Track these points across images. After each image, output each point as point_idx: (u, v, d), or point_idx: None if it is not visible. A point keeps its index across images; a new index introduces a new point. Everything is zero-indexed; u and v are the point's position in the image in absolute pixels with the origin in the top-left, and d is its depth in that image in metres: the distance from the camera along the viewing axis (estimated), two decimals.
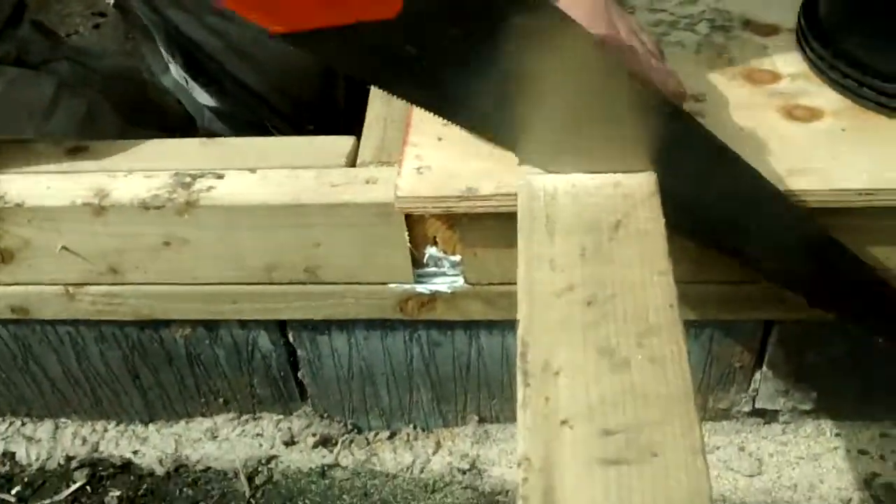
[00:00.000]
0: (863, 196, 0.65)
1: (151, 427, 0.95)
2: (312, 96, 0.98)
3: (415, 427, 0.92)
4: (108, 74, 0.94)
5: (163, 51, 0.98)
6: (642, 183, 0.64)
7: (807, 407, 0.87)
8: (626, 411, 0.49)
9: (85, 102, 0.86)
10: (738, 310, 0.77)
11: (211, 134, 0.99)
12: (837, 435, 0.88)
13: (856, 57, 0.73)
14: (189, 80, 0.97)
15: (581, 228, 0.61)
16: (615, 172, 0.64)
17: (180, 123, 1.02)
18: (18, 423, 0.96)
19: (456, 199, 0.67)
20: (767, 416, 0.88)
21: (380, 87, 0.64)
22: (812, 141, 0.70)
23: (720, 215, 0.68)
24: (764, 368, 0.84)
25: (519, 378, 0.52)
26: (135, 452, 0.93)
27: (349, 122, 0.90)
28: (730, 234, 0.69)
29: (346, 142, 0.77)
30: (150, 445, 0.93)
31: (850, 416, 0.88)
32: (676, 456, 0.46)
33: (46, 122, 0.82)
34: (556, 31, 0.57)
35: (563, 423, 0.49)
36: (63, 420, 0.96)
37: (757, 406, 0.87)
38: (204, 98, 0.99)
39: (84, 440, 0.95)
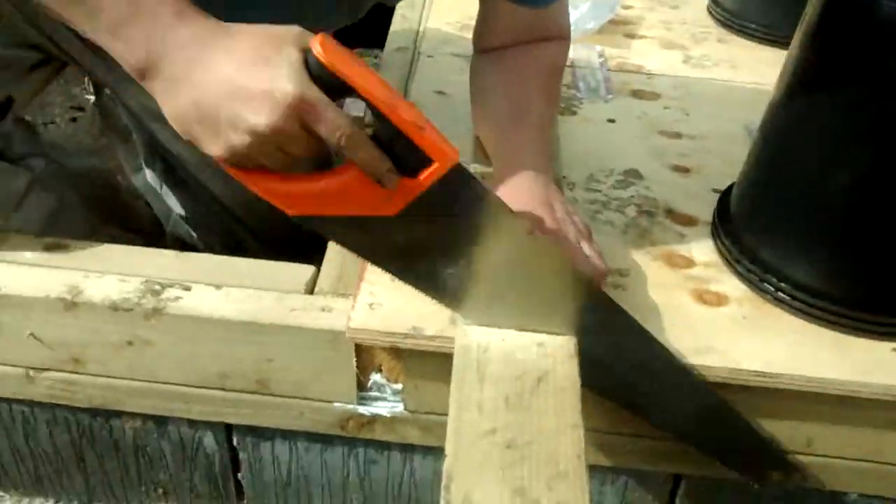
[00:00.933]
0: (757, 377, 0.73)
1: None
2: (279, 214, 1.04)
3: None
4: (81, 173, 1.01)
5: (141, 156, 1.04)
6: (563, 345, 0.72)
7: None
8: None
9: (55, 198, 0.92)
10: (649, 461, 0.83)
11: (176, 237, 1.05)
12: None
13: (758, 255, 0.83)
14: (163, 185, 1.03)
15: (507, 379, 0.69)
16: (541, 333, 0.72)
17: (147, 224, 1.07)
18: None
19: (402, 335, 0.74)
20: None
21: (359, 256, 0.74)
22: (717, 324, 0.78)
23: (631, 382, 0.75)
24: None
25: None
26: None
27: (316, 242, 0.97)
28: (639, 399, 0.77)
29: (306, 270, 0.84)
30: None
31: None
32: None
33: (16, 214, 0.88)
34: (502, 224, 0.67)
35: None
36: (2, 494, 0.98)
37: None
38: (174, 203, 1.05)
39: None
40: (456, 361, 0.70)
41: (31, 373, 0.84)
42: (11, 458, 0.95)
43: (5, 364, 0.84)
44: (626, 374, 0.75)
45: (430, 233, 0.67)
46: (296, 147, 0.59)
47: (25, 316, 0.80)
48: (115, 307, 0.78)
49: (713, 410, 0.76)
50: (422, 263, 0.69)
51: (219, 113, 0.58)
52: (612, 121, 1.12)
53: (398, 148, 0.61)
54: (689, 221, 0.93)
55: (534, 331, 0.72)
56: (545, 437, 0.63)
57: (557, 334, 0.72)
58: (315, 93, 0.57)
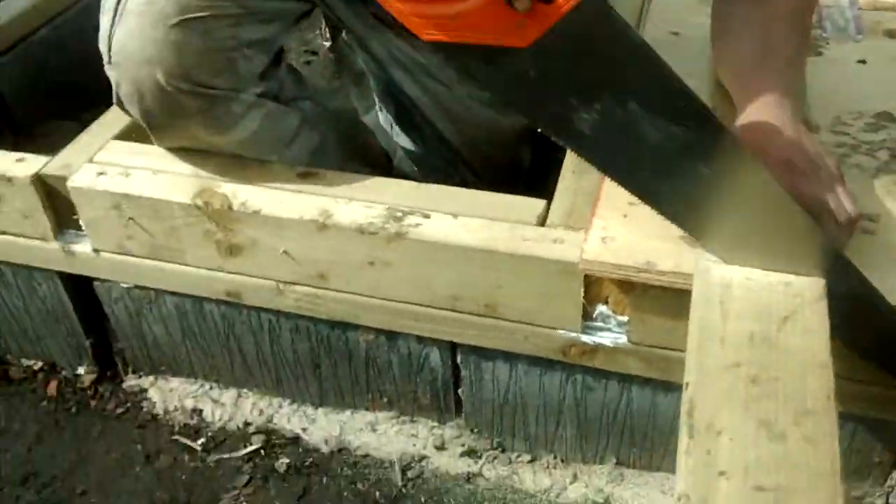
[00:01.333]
0: None
1: (320, 410, 1.07)
2: (500, 154, 1.07)
3: (555, 457, 1.00)
4: (338, 113, 1.07)
5: (376, 98, 1.10)
6: (811, 286, 0.70)
7: None
8: (778, 475, 0.55)
9: (318, 136, 0.99)
10: (886, 410, 0.80)
11: (401, 173, 1.10)
12: None
13: None
14: (394, 125, 1.08)
15: (752, 316, 0.68)
16: (787, 273, 0.70)
17: (379, 160, 1.13)
18: (208, 386, 1.10)
19: (635, 269, 0.75)
20: None
21: (500, 101, 0.69)
22: None
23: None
24: None
25: (683, 431, 0.59)
26: (304, 430, 1.05)
27: (529, 184, 0.99)
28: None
29: (538, 204, 0.85)
30: (318, 426, 1.05)
31: None
32: None
33: (287, 150, 0.96)
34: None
35: (721, 473, 0.55)
36: (245, 391, 1.09)
37: (890, 501, 0.90)
38: (404, 141, 1.10)
39: (261, 411, 1.08)
40: (695, 298, 0.70)
41: (282, 286, 0.92)
42: (256, 360, 1.05)
43: (259, 276, 0.92)
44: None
45: (564, 74, 0.63)
46: None
47: (280, 235, 0.87)
48: (361, 230, 0.83)
49: None
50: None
51: None
52: (862, 62, 1.05)
53: None
54: None
55: (780, 271, 0.70)
56: (792, 375, 0.62)
57: (806, 275, 0.70)
58: None
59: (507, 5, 0.58)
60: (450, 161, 1.08)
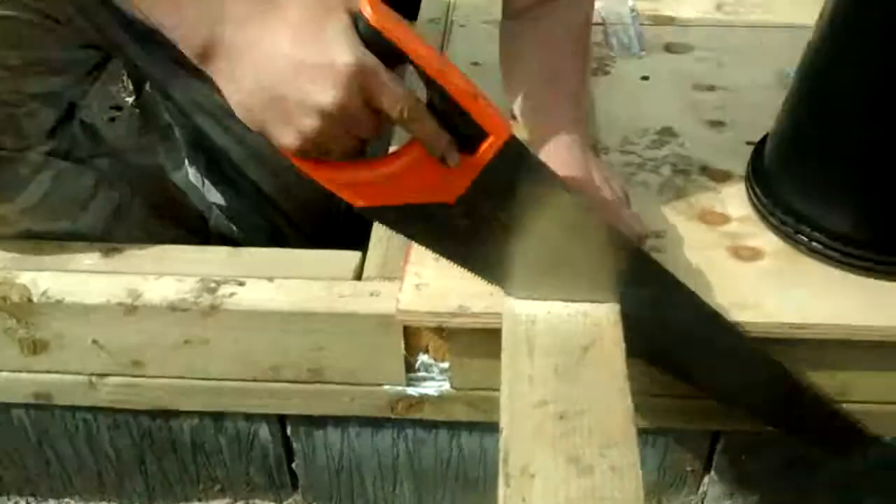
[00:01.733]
0: (795, 329, 0.77)
1: None
2: (316, 196, 1.07)
3: None
4: (141, 171, 1.03)
5: (183, 153, 1.07)
6: (608, 313, 0.75)
7: None
8: None
9: (117, 197, 0.94)
10: (689, 420, 0.87)
11: (218, 232, 1.08)
12: None
13: (791, 206, 0.86)
14: (205, 181, 1.06)
15: (556, 351, 0.72)
16: (585, 302, 0.76)
17: (193, 221, 1.10)
18: (23, 502, 1.02)
19: (450, 315, 0.78)
20: None
21: (424, 246, 0.76)
22: (753, 279, 0.82)
23: (674, 345, 0.79)
24: (712, 473, 0.93)
25: (501, 479, 0.61)
26: None
27: (347, 229, 1.00)
28: (683, 361, 0.80)
29: (353, 257, 0.87)
30: None
31: None
32: None
33: (83, 214, 0.91)
34: (554, 197, 0.69)
35: None
36: (66, 500, 1.02)
37: None
38: (216, 197, 1.07)
39: None
40: (505, 335, 0.74)
41: (94, 379, 0.87)
42: (75, 465, 0.98)
43: (69, 372, 0.87)
44: (668, 337, 0.78)
45: (493, 213, 0.68)
46: (361, 126, 0.60)
47: (87, 322, 0.83)
48: (173, 307, 0.81)
49: (759, 367, 0.78)
50: (481, 245, 0.71)
51: (284, 93, 0.59)
52: (645, 78, 1.13)
53: (452, 120, 0.60)
54: (724, 177, 0.95)
55: (578, 301, 0.75)
56: (595, 407, 0.66)
57: (601, 302, 0.75)
58: (372, 59, 0.57)
59: (435, 162, 0.62)
60: (265, 212, 1.06)
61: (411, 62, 0.59)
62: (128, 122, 1.01)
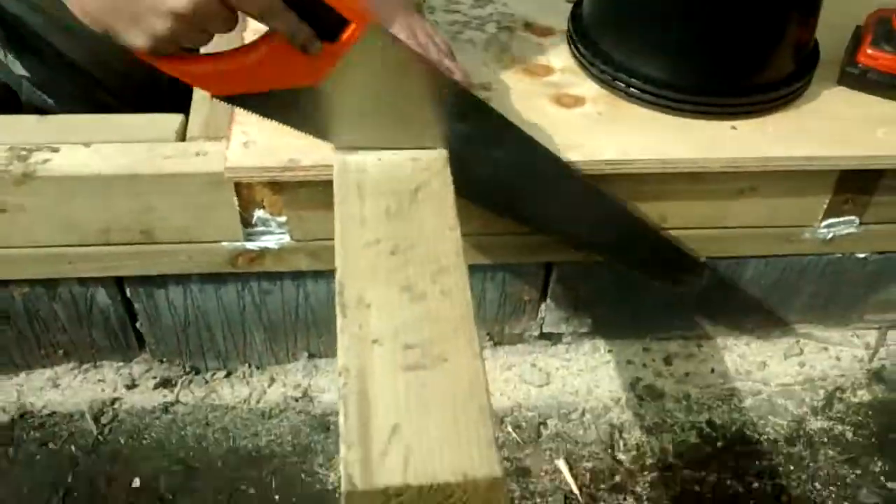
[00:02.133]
0: (615, 165, 0.80)
1: None
2: (138, 71, 1.01)
3: (250, 365, 1.02)
4: None
5: None
6: (437, 158, 0.76)
7: (584, 330, 1.04)
8: (423, 331, 0.61)
9: None
10: (523, 255, 0.91)
11: (33, 105, 1.00)
12: (609, 351, 1.05)
13: (610, 56, 0.89)
14: (6, 52, 0.97)
15: (386, 193, 0.73)
16: (414, 149, 0.76)
17: (4, 96, 1.01)
18: None
19: (280, 169, 0.77)
20: (553, 338, 1.05)
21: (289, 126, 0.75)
22: (575, 123, 0.84)
23: (503, 182, 0.80)
24: (548, 300, 0.99)
25: (337, 310, 0.63)
26: None
27: (173, 95, 0.95)
28: (512, 200, 0.83)
29: (175, 119, 0.83)
30: None
31: (619, 335, 1.06)
32: (461, 360, 0.59)
33: None
34: (376, 43, 0.68)
35: (374, 342, 0.60)
36: None
37: (544, 331, 1.03)
38: (22, 69, 0.99)
39: None
40: (336, 184, 0.74)
41: None
42: None
43: None
44: (496, 177, 0.80)
45: (357, 96, 0.69)
46: (216, 24, 0.59)
47: None
48: None
49: (584, 197, 0.82)
50: (308, 105, 0.71)
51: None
52: None
53: (314, 13, 0.61)
54: (546, 32, 0.97)
55: (407, 148, 0.76)
56: (426, 241, 0.68)
57: (430, 148, 0.76)
58: None
59: (295, 50, 0.62)
60: (82, 86, 1.00)
61: None
62: None
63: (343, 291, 0.63)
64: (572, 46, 0.93)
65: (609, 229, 0.87)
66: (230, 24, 0.60)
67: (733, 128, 0.86)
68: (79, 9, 0.59)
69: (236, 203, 0.81)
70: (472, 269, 0.91)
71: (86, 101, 0.98)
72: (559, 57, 0.93)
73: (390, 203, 0.71)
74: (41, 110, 1.00)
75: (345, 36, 0.63)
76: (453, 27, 0.97)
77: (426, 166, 0.75)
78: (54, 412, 0.96)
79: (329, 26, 0.63)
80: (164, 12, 0.57)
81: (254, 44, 0.64)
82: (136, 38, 0.59)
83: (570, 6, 0.97)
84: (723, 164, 0.83)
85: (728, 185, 0.87)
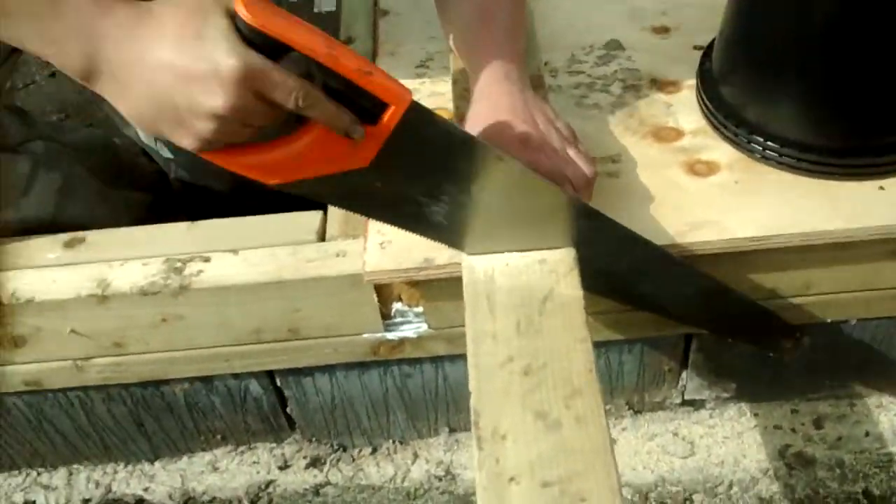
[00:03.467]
0: (753, 242, 0.78)
1: (157, 465, 1.05)
2: None
3: (393, 441, 1.04)
4: (81, 143, 1.01)
5: None
6: (563, 259, 0.75)
7: (728, 395, 1.01)
8: (559, 466, 0.61)
9: (60, 175, 0.93)
10: (660, 328, 0.90)
11: (180, 180, 1.07)
12: (755, 415, 1.02)
13: (743, 115, 0.86)
14: (156, 140, 1.03)
15: (516, 304, 0.73)
16: (541, 249, 0.76)
17: (149, 179, 1.09)
18: (34, 473, 1.06)
19: (416, 269, 0.79)
20: (696, 404, 1.03)
21: (348, 210, 0.76)
22: (710, 195, 0.82)
23: (630, 281, 0.80)
24: (689, 369, 0.97)
25: (474, 443, 0.63)
26: (145, 489, 1.04)
27: None
28: (638, 296, 0.83)
29: (314, 217, 0.87)
30: (159, 482, 1.04)
31: (764, 398, 1.03)
32: (600, 499, 0.59)
33: (25, 198, 0.89)
34: (489, 165, 0.69)
35: (511, 479, 0.60)
36: (75, 466, 1.06)
37: (686, 398, 1.01)
38: (167, 153, 1.06)
39: (97, 483, 1.05)
40: (466, 294, 0.74)
41: (79, 363, 0.89)
42: (76, 434, 1.01)
43: (54, 360, 0.89)
44: (624, 274, 0.80)
45: (406, 176, 0.69)
46: (258, 118, 0.60)
47: (63, 316, 0.84)
48: (144, 292, 0.82)
49: (713, 293, 0.81)
50: (407, 207, 0.71)
51: (175, 102, 0.58)
52: None
53: (352, 98, 0.61)
54: (674, 88, 0.95)
55: (534, 249, 0.76)
56: (557, 357, 0.68)
57: (556, 248, 0.76)
58: (256, 59, 0.57)
59: (338, 136, 0.62)
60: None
61: (298, 52, 0.58)
62: (70, 78, 0.98)
63: (479, 421, 0.64)
64: (702, 104, 0.90)
65: (690, 300, 0.84)
66: (273, 116, 0.61)
67: (881, 188, 0.82)
68: (128, 115, 0.61)
69: (375, 299, 0.84)
70: (609, 344, 0.92)
71: (225, 177, 1.03)
72: (689, 117, 0.91)
73: (521, 315, 0.71)
74: (185, 184, 1.06)
75: (385, 117, 0.63)
76: (577, 90, 0.96)
77: (553, 268, 0.75)
78: (214, 498, 1.01)
79: (368, 108, 0.62)
80: (203, 114, 0.58)
81: (297, 132, 0.64)
82: (184, 139, 0.61)
83: (698, 55, 0.94)
84: (872, 233, 0.79)
85: (878, 249, 0.83)
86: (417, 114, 0.64)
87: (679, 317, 0.86)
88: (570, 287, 0.73)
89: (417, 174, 0.69)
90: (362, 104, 0.62)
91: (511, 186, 0.71)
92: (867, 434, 0.99)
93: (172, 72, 0.58)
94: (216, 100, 0.57)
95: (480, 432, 0.63)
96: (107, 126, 1.02)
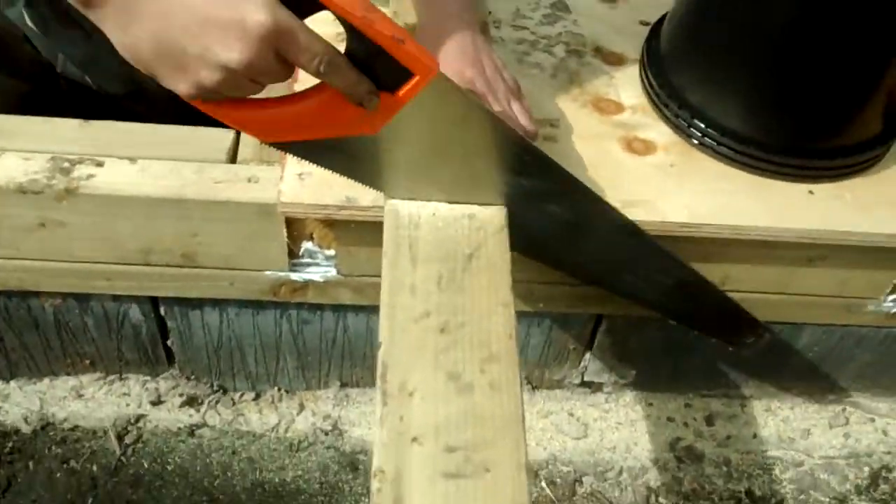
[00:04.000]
0: (683, 228, 0.76)
1: (13, 384, 0.95)
2: None
3: (279, 389, 0.98)
4: None
5: None
6: (494, 216, 0.71)
7: (626, 381, 1.00)
8: (467, 431, 0.57)
9: None
10: (574, 305, 0.87)
11: (69, 78, 0.96)
12: (650, 404, 1.02)
13: (686, 98, 0.83)
14: (49, 24, 0.92)
15: (439, 257, 0.68)
16: (471, 204, 0.71)
17: (33, 69, 0.97)
18: None
19: (337, 207, 0.73)
20: (593, 387, 1.01)
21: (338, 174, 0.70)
22: (645, 174, 0.80)
23: (559, 238, 0.76)
24: (593, 350, 0.95)
25: (378, 397, 0.58)
26: None
27: None
28: (564, 254, 0.79)
29: (226, 136, 0.79)
30: (14, 402, 0.94)
31: (660, 388, 1.02)
32: (505, 471, 0.55)
33: None
34: (439, 93, 0.63)
35: (414, 440, 0.56)
36: None
37: (585, 379, 0.99)
38: (64, 41, 0.95)
39: None
40: (386, 240, 0.69)
41: None
42: None
43: None
44: (555, 234, 0.76)
45: (414, 146, 0.65)
46: (270, 76, 0.55)
47: None
48: (22, 190, 0.73)
49: (644, 254, 0.77)
50: (365, 154, 0.67)
51: (185, 47, 0.53)
52: None
53: (375, 63, 0.57)
54: (617, 60, 0.92)
55: (465, 202, 0.71)
56: (477, 318, 0.64)
57: (488, 205, 0.72)
58: (288, 18, 0.53)
59: (356, 105, 0.58)
60: (126, 66, 0.96)
61: (332, 10, 0.54)
62: None
63: (386, 374, 0.59)
64: (645, 81, 0.88)
65: (665, 285, 0.82)
66: (284, 76, 0.56)
67: (810, 192, 0.81)
68: (122, 47, 0.56)
69: (285, 235, 0.77)
70: (519, 315, 0.89)
71: (127, 83, 0.94)
72: (630, 92, 0.88)
73: (443, 269, 0.67)
74: (76, 83, 0.96)
75: (407, 88, 0.59)
76: (520, 46, 0.93)
77: (482, 225, 0.70)
78: (77, 426, 0.93)
79: (390, 76, 0.58)
80: (214, 64, 0.53)
81: (305, 93, 0.60)
82: (180, 84, 0.56)
83: (644, 30, 0.92)
84: (797, 235, 0.78)
85: (798, 253, 0.82)
86: (439, 83, 0.60)
87: (603, 281, 0.82)
88: (498, 247, 0.69)
89: (426, 144, 0.66)
90: (385, 71, 0.58)
91: (458, 120, 0.66)
92: (755, 436, 1.00)
93: (193, 13, 0.52)
94: (233, 53, 0.52)
95: (387, 386, 0.59)
96: None
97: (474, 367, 0.61)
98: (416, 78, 0.58)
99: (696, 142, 0.83)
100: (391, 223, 0.70)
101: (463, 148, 0.68)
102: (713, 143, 0.82)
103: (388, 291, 0.65)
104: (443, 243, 0.69)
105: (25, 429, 0.92)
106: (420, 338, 0.62)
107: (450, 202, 0.71)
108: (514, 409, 0.59)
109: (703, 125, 0.82)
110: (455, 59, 0.74)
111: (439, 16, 0.78)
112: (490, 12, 0.96)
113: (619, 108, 0.87)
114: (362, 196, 0.73)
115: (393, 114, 0.60)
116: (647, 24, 0.95)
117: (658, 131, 0.84)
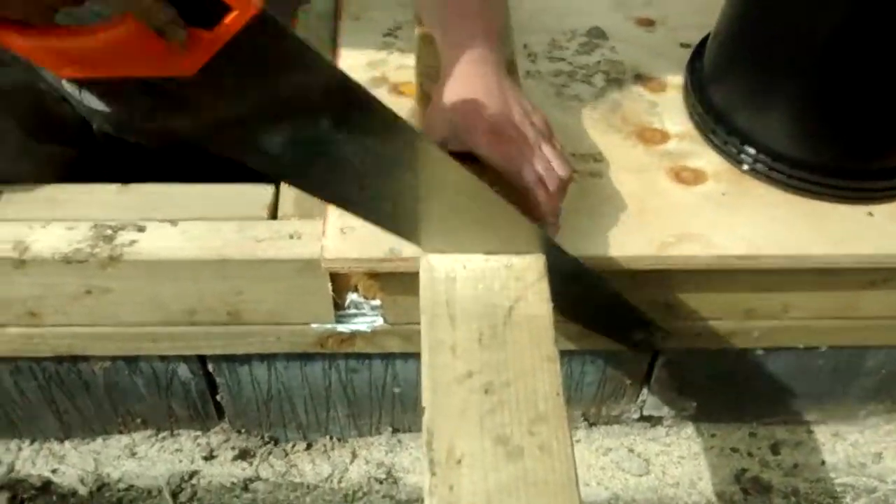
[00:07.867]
0: (740, 261, 0.73)
1: (68, 444, 0.95)
2: None
3: (331, 438, 0.97)
4: (10, 89, 0.90)
5: None
6: (532, 265, 0.68)
7: (686, 413, 0.97)
8: (518, 499, 0.54)
9: None
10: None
11: (104, 133, 0.96)
12: (712, 436, 0.98)
13: (734, 123, 0.80)
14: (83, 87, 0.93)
15: (478, 313, 0.65)
16: (508, 254, 0.68)
17: (73, 132, 0.98)
18: None
19: (380, 260, 0.71)
20: (653, 421, 0.98)
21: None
22: (696, 206, 0.77)
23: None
24: (651, 384, 0.92)
25: (426, 466, 0.56)
26: (53, 471, 0.94)
27: None
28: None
29: (265, 191, 0.78)
30: (69, 464, 0.94)
31: (722, 419, 0.99)
32: None
33: None
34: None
35: None
36: None
37: (644, 413, 0.97)
38: (94, 102, 0.95)
39: None
40: (423, 298, 0.66)
41: None
42: None
43: None
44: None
45: (240, 96, 0.58)
46: None
47: None
48: (67, 260, 0.72)
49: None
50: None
51: None
52: None
53: None
54: (659, 86, 0.90)
55: (501, 253, 0.69)
56: (522, 376, 0.61)
57: (526, 253, 0.69)
58: None
59: (159, 36, 0.51)
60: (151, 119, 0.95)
61: None
62: None
63: (432, 441, 0.57)
64: (690, 107, 0.85)
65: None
66: None
67: (870, 214, 0.78)
68: None
69: (329, 288, 0.76)
70: (571, 353, 0.87)
71: (149, 135, 0.93)
72: (675, 119, 0.86)
73: (483, 325, 0.64)
74: (110, 138, 0.96)
75: (226, 21, 0.53)
76: (558, 79, 0.90)
77: (520, 275, 0.67)
78: (132, 486, 0.92)
79: (207, 12, 0.52)
80: None
81: (108, 21, 0.52)
82: None
83: (685, 53, 0.89)
84: (857, 261, 0.75)
85: (860, 278, 0.79)
86: (266, 26, 0.54)
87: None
88: (538, 298, 0.66)
89: (257, 97, 0.58)
90: (200, 4, 0.52)
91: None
92: (823, 463, 0.96)
93: None
94: None
95: (434, 454, 0.56)
96: (23, 66, 0.90)
97: (522, 429, 0.58)
98: (236, 12, 0.52)
99: (747, 167, 0.80)
100: (427, 279, 0.67)
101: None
102: (765, 168, 0.79)
103: (429, 352, 0.63)
104: (481, 297, 0.66)
105: (82, 490, 0.92)
106: (464, 399, 0.60)
107: (485, 253, 0.69)
108: (567, 471, 0.56)
109: (753, 151, 0.79)
110: (480, 102, 0.71)
111: (463, 58, 0.74)
112: (525, 45, 0.94)
113: (665, 136, 0.84)
114: (405, 247, 0.71)
115: (211, 52, 0.53)
116: (687, 46, 0.92)
117: (707, 159, 0.82)
